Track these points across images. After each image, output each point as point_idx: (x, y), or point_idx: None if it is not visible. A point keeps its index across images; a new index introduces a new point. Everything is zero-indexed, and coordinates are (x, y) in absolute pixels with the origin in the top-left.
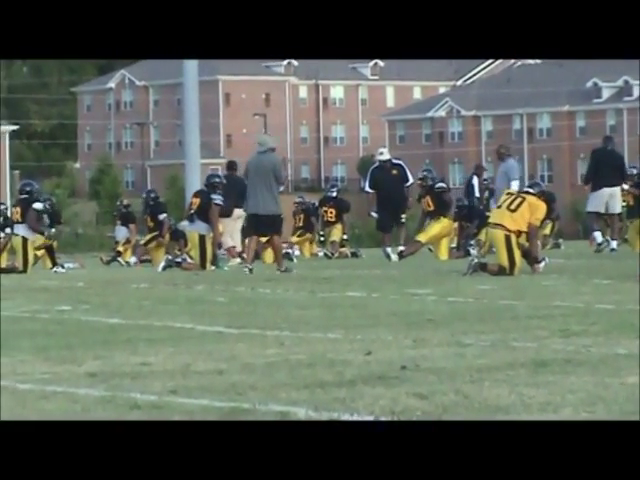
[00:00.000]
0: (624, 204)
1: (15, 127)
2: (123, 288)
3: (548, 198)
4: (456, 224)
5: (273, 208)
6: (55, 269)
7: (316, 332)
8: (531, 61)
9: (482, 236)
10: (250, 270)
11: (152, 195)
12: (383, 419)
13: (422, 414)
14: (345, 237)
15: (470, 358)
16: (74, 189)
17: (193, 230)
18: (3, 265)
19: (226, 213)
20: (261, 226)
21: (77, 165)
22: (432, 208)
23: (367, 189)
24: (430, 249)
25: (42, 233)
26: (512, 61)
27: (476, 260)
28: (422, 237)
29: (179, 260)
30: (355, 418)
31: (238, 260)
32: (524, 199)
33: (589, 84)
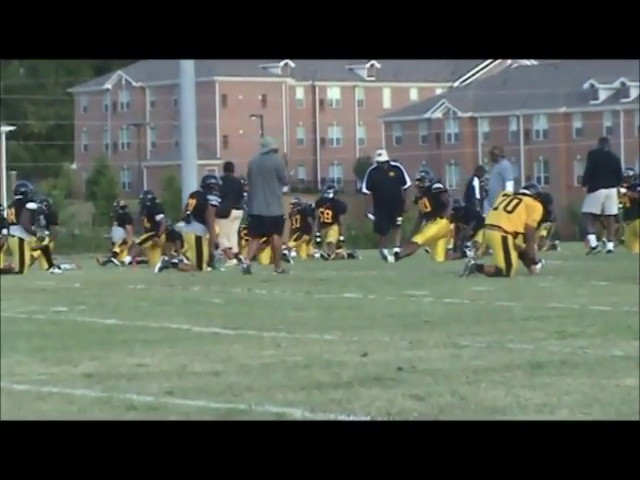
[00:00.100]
0: (620, 206)
1: (12, 128)
2: (119, 289)
3: (544, 200)
4: (452, 225)
5: (276, 209)
6: (51, 270)
7: (312, 333)
8: (528, 62)
9: (479, 237)
10: (247, 269)
11: (149, 196)
12: (379, 420)
13: (418, 415)
14: (341, 238)
15: (466, 359)
16: (71, 190)
17: (189, 231)
18: (0, 266)
19: (223, 214)
20: (264, 227)
21: (74, 166)
22: (429, 209)
23: (364, 190)
24: (427, 250)
25: (34, 234)
26: (509, 62)
27: (473, 261)
28: (419, 238)
29: (175, 261)
30: (351, 419)
31: (234, 261)
32: (521, 200)
33: (586, 85)
